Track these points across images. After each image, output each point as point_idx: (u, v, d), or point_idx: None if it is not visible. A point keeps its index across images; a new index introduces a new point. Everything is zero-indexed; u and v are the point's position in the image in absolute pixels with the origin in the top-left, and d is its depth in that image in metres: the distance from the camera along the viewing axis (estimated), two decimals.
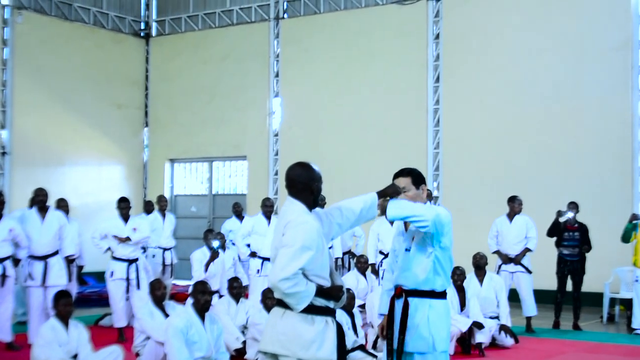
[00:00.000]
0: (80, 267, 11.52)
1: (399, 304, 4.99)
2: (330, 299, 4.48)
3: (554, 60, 14.71)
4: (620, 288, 12.43)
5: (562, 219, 11.46)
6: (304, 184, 4.55)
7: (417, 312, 4.92)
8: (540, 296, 12.06)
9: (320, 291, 4.43)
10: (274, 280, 4.32)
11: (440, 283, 4.97)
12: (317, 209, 4.66)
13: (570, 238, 11.48)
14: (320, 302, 4.45)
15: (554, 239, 11.60)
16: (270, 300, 8.06)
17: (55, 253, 9.75)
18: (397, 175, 5.05)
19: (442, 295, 5.00)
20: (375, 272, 11.02)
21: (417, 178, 5.02)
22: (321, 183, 4.63)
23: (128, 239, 10.25)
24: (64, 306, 7.17)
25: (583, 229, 11.56)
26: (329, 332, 4.44)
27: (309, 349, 4.38)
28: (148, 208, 13.14)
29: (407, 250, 5.03)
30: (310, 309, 4.41)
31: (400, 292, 5.00)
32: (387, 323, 5.06)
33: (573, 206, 11.55)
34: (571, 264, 11.51)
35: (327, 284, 4.49)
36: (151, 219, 12.54)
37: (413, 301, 4.94)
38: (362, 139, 16.58)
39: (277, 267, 4.35)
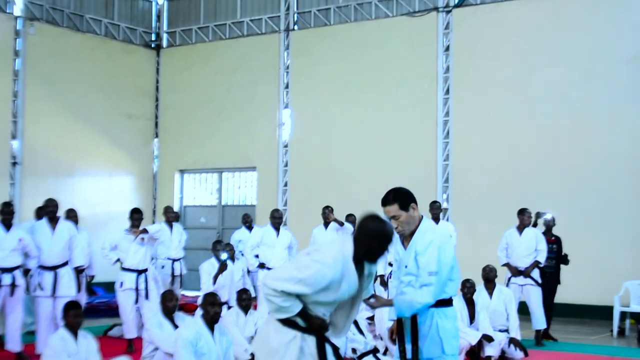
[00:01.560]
0: (91, 278, 11.55)
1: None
2: (309, 326, 4.58)
3: (563, 72, 14.69)
4: (631, 301, 12.39)
5: (543, 220, 11.59)
6: (369, 237, 4.55)
7: (425, 322, 4.94)
8: None
9: (304, 315, 4.55)
10: (265, 281, 4.54)
11: (444, 293, 4.96)
12: None
13: (550, 250, 11.55)
14: (300, 321, 4.58)
15: None
16: None
17: (65, 264, 9.76)
18: (384, 203, 4.96)
19: (448, 302, 5.02)
20: (384, 284, 10.98)
21: (404, 201, 4.91)
22: (388, 243, 4.60)
23: (145, 230, 10.22)
24: (73, 317, 7.17)
25: (559, 242, 11.75)
26: (293, 347, 4.55)
27: (272, 358, 4.56)
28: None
29: (406, 267, 5.00)
30: (287, 321, 4.57)
31: None
32: (397, 332, 5.07)
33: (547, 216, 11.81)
34: (550, 276, 11.61)
35: (321, 314, 4.60)
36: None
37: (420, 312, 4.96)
38: (372, 150, 16.57)
39: (275, 273, 4.61)
